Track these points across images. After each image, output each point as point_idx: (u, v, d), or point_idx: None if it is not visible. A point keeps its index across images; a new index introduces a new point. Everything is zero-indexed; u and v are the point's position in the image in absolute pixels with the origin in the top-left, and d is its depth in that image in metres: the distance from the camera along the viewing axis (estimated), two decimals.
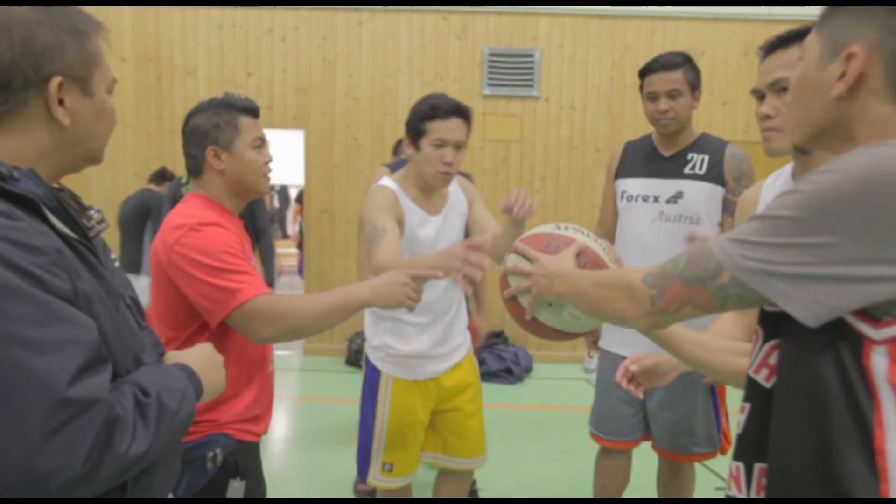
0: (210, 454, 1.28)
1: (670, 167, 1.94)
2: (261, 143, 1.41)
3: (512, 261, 1.17)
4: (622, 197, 2.03)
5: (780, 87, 1.16)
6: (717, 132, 5.66)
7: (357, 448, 1.90)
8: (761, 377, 0.77)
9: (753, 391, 0.79)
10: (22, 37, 0.73)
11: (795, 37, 1.14)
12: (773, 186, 1.28)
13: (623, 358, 1.43)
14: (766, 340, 0.78)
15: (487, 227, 1.82)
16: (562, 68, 5.00)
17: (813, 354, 0.68)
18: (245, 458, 1.35)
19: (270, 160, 1.44)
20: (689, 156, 1.93)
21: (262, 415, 1.41)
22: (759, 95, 1.35)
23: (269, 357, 1.44)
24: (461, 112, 1.71)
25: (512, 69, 4.97)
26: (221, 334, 1.27)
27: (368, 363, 1.90)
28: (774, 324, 0.75)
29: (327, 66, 4.97)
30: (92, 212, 0.84)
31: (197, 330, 1.28)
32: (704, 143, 1.96)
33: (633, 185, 2.01)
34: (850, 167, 0.64)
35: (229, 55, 4.92)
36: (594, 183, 4.93)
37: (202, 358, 0.92)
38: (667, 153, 1.97)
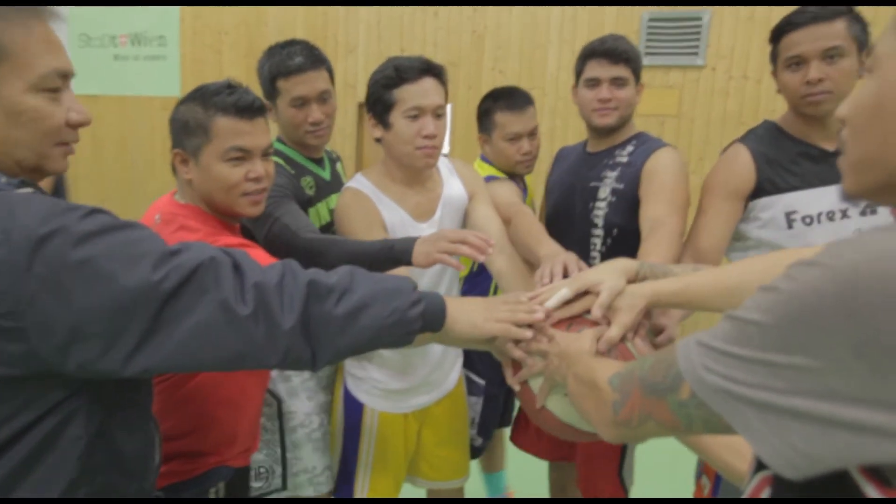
0: (213, 489, 1.20)
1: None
2: (241, 154, 1.12)
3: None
4: (787, 222, 1.41)
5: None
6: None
7: (337, 481, 1.66)
8: None
9: None
10: None
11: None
12: None
13: None
14: (757, 469, 0.59)
15: (488, 233, 1.42)
16: (736, 31, 4.40)
17: None
18: (241, 482, 1.29)
19: (258, 176, 1.14)
20: None
21: (258, 433, 1.36)
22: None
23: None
24: (433, 70, 1.39)
25: (674, 35, 4.51)
26: None
27: (348, 393, 1.63)
28: None
29: (476, 38, 4.97)
30: None
31: None
32: None
33: (804, 201, 1.39)
34: (836, 262, 0.46)
35: (385, 31, 5.16)
36: None
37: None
38: (831, 146, 1.41)
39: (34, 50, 0.75)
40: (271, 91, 1.53)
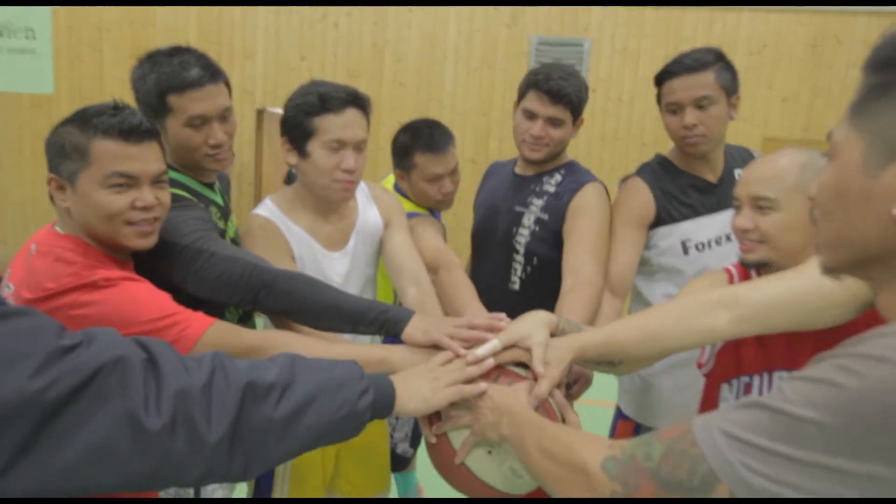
0: None
1: (725, 194, 1.49)
2: (125, 181, 0.99)
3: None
4: (683, 249, 1.55)
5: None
6: (775, 130, 5.40)
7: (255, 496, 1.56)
8: None
9: None
10: None
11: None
12: None
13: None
14: None
15: (402, 267, 1.40)
16: (612, 59, 4.90)
17: None
18: None
19: (147, 205, 1.01)
20: (738, 173, 1.56)
21: None
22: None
23: None
24: (359, 102, 1.30)
25: (560, 59, 4.92)
26: None
27: None
28: None
29: (377, 51, 5.09)
30: None
31: None
32: (738, 157, 1.64)
33: (695, 229, 1.53)
34: None
35: (285, 39, 5.13)
36: None
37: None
38: (714, 178, 1.57)
39: None
40: (158, 108, 1.25)
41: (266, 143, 5.32)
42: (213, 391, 0.67)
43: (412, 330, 1.07)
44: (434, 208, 1.81)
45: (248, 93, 5.11)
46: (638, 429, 1.68)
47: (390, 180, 1.92)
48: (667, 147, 1.67)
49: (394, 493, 2.38)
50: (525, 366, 0.97)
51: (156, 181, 1.05)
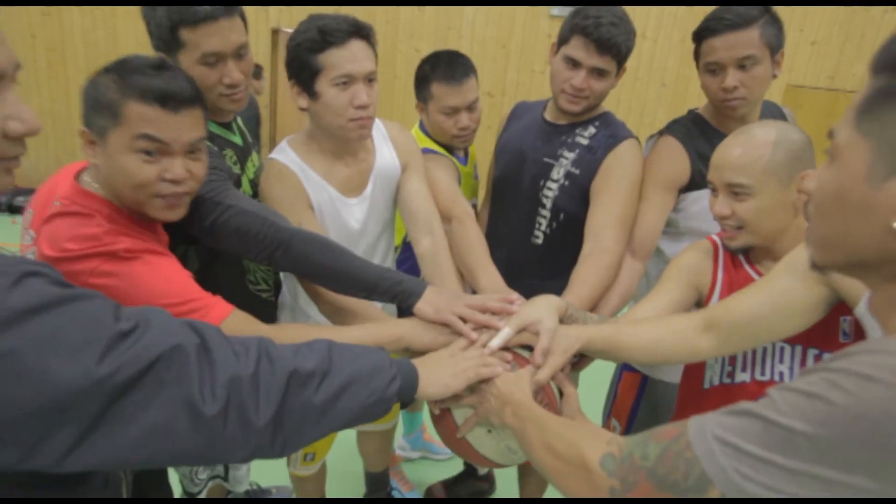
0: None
1: None
2: (155, 147, 0.94)
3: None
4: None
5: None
6: (800, 77, 5.23)
7: None
8: None
9: None
10: None
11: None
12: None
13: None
14: None
15: (417, 215, 1.38)
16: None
17: None
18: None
19: (177, 178, 0.96)
20: None
21: None
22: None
23: None
24: (362, 32, 1.23)
25: None
26: None
27: None
28: None
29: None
30: None
31: None
32: (769, 115, 1.53)
33: None
34: None
35: None
36: (654, 118, 4.76)
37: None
38: None
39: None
40: (170, 42, 1.18)
41: (282, 66, 5.23)
42: (260, 379, 0.70)
43: (424, 305, 1.09)
44: (452, 145, 1.75)
45: (262, 11, 4.98)
46: (644, 382, 1.63)
47: (416, 126, 1.85)
48: (686, 89, 1.64)
49: (400, 429, 2.44)
50: (531, 348, 1.00)
51: (190, 151, 0.99)
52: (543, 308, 1.02)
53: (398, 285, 1.10)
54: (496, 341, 0.99)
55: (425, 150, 1.63)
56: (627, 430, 1.62)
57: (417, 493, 2.16)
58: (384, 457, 1.99)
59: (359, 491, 2.12)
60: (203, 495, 1.52)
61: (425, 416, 2.50)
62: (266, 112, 5.25)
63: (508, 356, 0.98)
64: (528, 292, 1.30)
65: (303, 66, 1.23)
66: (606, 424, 1.73)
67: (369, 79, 1.25)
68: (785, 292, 0.97)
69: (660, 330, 1.04)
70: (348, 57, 1.21)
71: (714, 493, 0.55)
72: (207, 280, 1.25)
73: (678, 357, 1.04)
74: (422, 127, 1.79)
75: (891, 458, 0.44)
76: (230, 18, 1.19)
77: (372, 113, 1.27)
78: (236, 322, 0.98)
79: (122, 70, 0.93)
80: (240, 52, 1.22)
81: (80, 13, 5.03)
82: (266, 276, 1.47)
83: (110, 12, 4.98)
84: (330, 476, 1.89)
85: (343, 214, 1.36)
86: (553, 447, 0.75)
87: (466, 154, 1.87)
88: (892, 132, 0.53)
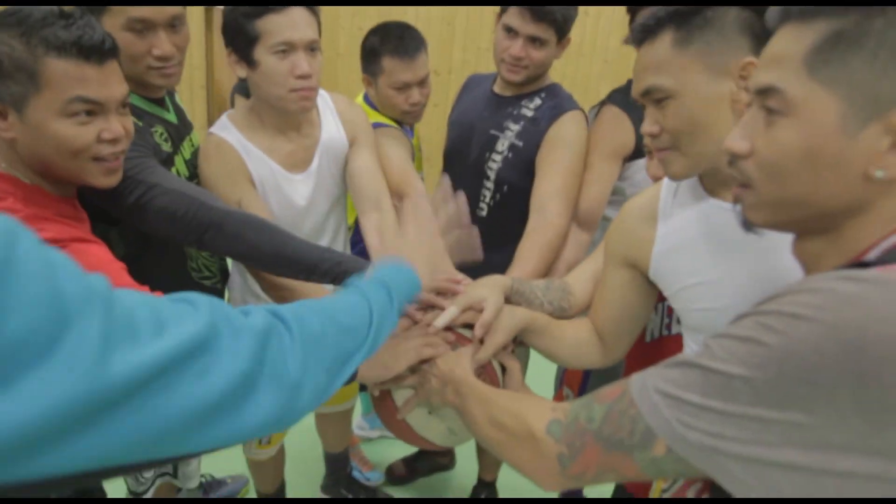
0: None
1: None
2: (90, 107, 0.87)
3: None
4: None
5: (654, 98, 0.84)
6: None
7: None
8: None
9: None
10: None
11: (659, 22, 0.82)
12: (671, 201, 0.94)
13: None
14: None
15: (365, 190, 1.34)
16: None
17: None
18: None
19: (116, 136, 0.90)
20: None
21: None
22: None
23: None
24: None
25: None
26: None
27: None
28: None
29: None
30: None
31: None
32: None
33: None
34: (836, 320, 0.45)
35: None
36: (597, 94, 4.84)
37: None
38: None
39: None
40: (92, 8, 1.08)
41: (217, 43, 5.03)
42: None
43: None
44: (401, 120, 1.72)
45: None
46: None
47: (360, 97, 1.80)
48: (629, 65, 1.66)
49: (358, 409, 2.40)
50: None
51: (121, 106, 0.92)
52: (488, 288, 1.02)
53: (338, 266, 1.06)
54: (440, 320, 0.96)
55: (376, 125, 1.60)
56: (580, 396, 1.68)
57: (378, 473, 2.17)
58: (343, 438, 2.00)
59: (318, 473, 2.12)
60: (150, 495, 1.44)
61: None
62: (202, 93, 5.06)
63: (451, 336, 0.97)
64: (474, 265, 1.30)
65: (239, 32, 1.17)
66: (559, 394, 1.76)
67: (311, 48, 1.20)
68: (616, 288, 1.02)
69: (579, 333, 1.07)
70: (288, 23, 1.15)
71: (659, 447, 0.55)
72: (143, 268, 1.17)
73: (584, 362, 1.09)
74: (367, 99, 1.75)
75: (820, 391, 0.45)
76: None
77: (314, 84, 1.22)
78: None
79: (24, 24, 0.81)
80: (173, 23, 1.12)
81: None
82: (209, 262, 1.41)
83: None
84: (288, 459, 1.88)
85: (287, 191, 1.31)
86: (497, 420, 0.74)
87: (411, 127, 1.85)
88: (859, 79, 0.51)
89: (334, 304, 0.68)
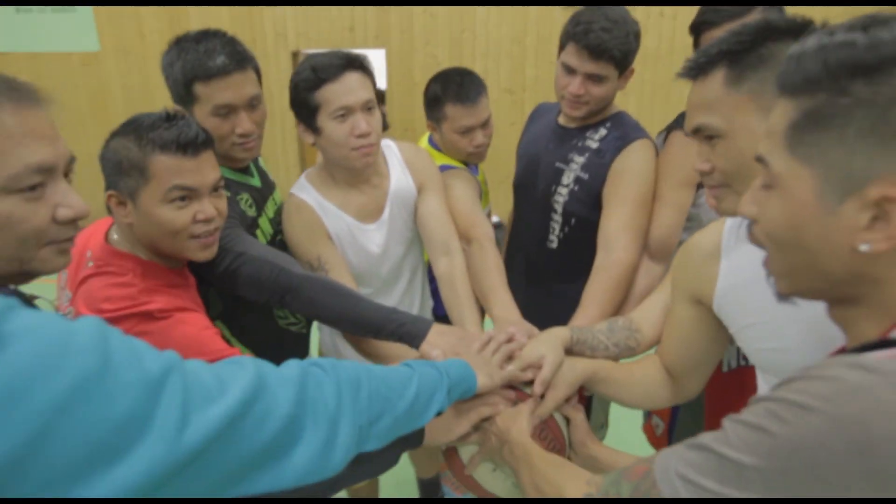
0: None
1: None
2: (186, 194, 1.00)
3: None
4: None
5: (705, 135, 0.83)
6: None
7: None
8: None
9: None
10: None
11: (711, 60, 0.79)
12: (734, 236, 0.92)
13: None
14: None
15: (434, 235, 1.40)
16: None
17: None
18: None
19: (208, 217, 1.03)
20: None
21: None
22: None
23: None
24: (354, 63, 1.27)
25: None
26: None
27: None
28: None
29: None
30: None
31: None
32: None
33: None
34: (840, 414, 0.45)
35: None
36: (682, 95, 4.67)
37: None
38: None
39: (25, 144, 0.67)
40: (185, 96, 1.24)
41: None
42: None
43: (428, 348, 1.10)
44: (467, 161, 1.77)
45: (280, 36, 5.13)
46: None
47: (425, 138, 1.88)
48: None
49: None
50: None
51: (213, 190, 1.06)
52: (548, 343, 1.03)
53: (402, 327, 1.13)
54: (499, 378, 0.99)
55: (443, 167, 1.64)
56: (671, 427, 1.60)
57: (470, 494, 2.22)
58: (434, 462, 2.06)
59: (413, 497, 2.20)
60: None
61: None
62: (293, 135, 5.41)
63: (512, 394, 0.99)
64: (547, 296, 1.28)
65: (303, 104, 1.28)
66: (647, 424, 1.72)
67: (367, 107, 1.28)
68: (684, 324, 0.99)
69: (648, 373, 1.05)
70: (343, 90, 1.25)
71: None
72: (234, 317, 1.33)
73: (656, 402, 1.07)
74: (431, 142, 1.81)
75: (834, 489, 0.45)
76: (243, 72, 1.24)
77: (374, 140, 1.30)
78: None
79: (138, 130, 0.99)
80: (252, 103, 1.27)
81: (115, 62, 5.30)
82: None
83: (142, 60, 5.23)
84: (383, 484, 1.98)
85: (362, 241, 1.39)
86: (541, 489, 0.78)
87: (476, 165, 1.88)
88: (833, 157, 0.52)
89: (378, 367, 0.75)
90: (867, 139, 0.50)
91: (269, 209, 1.45)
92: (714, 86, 0.79)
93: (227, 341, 1.33)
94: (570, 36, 1.41)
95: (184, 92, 1.24)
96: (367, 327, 1.15)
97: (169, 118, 1.01)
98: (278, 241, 1.43)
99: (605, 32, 1.36)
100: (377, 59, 5.36)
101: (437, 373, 0.83)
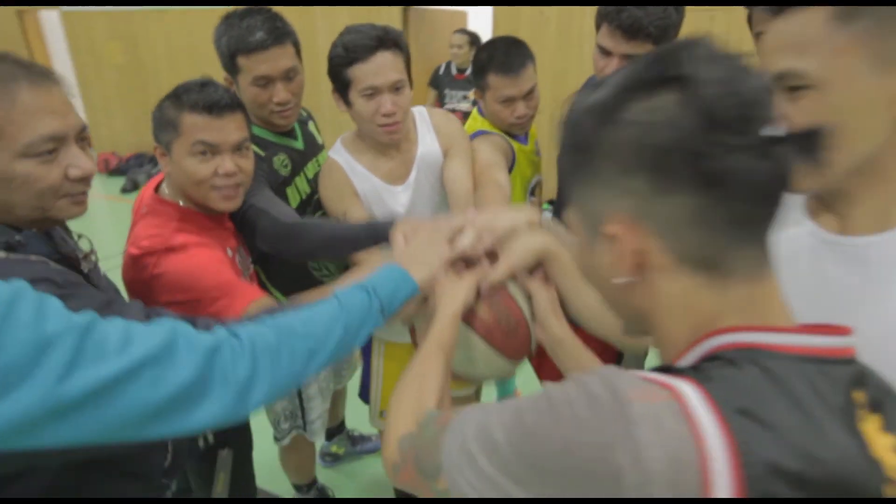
0: (202, 435, 1.27)
1: None
2: (208, 149, 1.15)
3: None
4: None
5: (786, 86, 0.64)
6: None
7: (360, 393, 1.86)
8: None
9: None
10: None
11: None
12: None
13: None
14: None
15: (455, 195, 1.45)
16: None
17: None
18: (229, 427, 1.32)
19: (228, 171, 1.17)
20: None
21: None
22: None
23: None
24: (387, 43, 1.32)
25: None
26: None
27: None
28: None
29: None
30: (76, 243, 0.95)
31: None
32: None
33: None
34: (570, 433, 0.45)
35: None
36: None
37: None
38: None
39: (18, 120, 0.78)
40: (231, 67, 1.40)
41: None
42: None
43: (395, 234, 1.09)
44: (509, 131, 1.76)
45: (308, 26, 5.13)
46: None
47: (475, 110, 1.87)
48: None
49: (493, 394, 2.45)
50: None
51: (237, 149, 1.18)
52: (513, 212, 0.96)
53: (373, 227, 1.18)
54: (464, 242, 0.94)
55: (480, 132, 1.69)
56: None
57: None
58: None
59: None
60: (286, 443, 1.74)
61: (518, 381, 2.50)
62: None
63: (461, 265, 0.92)
64: None
65: (336, 77, 1.36)
66: None
67: (396, 87, 1.35)
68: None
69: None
70: (373, 70, 1.31)
71: (442, 483, 0.55)
72: (272, 265, 1.52)
73: (606, 326, 0.91)
74: (480, 111, 1.82)
75: (542, 480, 0.45)
76: (281, 46, 1.37)
77: (399, 118, 1.37)
78: (258, 309, 1.07)
79: (177, 93, 1.15)
80: (288, 75, 1.41)
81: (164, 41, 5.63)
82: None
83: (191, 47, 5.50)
84: (383, 484, 2.02)
85: (388, 201, 1.47)
86: (398, 396, 0.74)
87: (527, 134, 1.87)
88: (578, 196, 0.55)
89: (304, 315, 0.80)
90: (594, 181, 0.52)
91: (310, 170, 1.58)
92: (814, 21, 0.61)
93: (262, 285, 1.54)
94: (604, 16, 1.39)
95: (229, 63, 1.40)
96: (349, 242, 1.23)
97: (202, 84, 1.16)
98: (315, 199, 1.56)
99: (638, 10, 1.32)
100: (485, 15, 5.29)
101: (365, 297, 0.84)
